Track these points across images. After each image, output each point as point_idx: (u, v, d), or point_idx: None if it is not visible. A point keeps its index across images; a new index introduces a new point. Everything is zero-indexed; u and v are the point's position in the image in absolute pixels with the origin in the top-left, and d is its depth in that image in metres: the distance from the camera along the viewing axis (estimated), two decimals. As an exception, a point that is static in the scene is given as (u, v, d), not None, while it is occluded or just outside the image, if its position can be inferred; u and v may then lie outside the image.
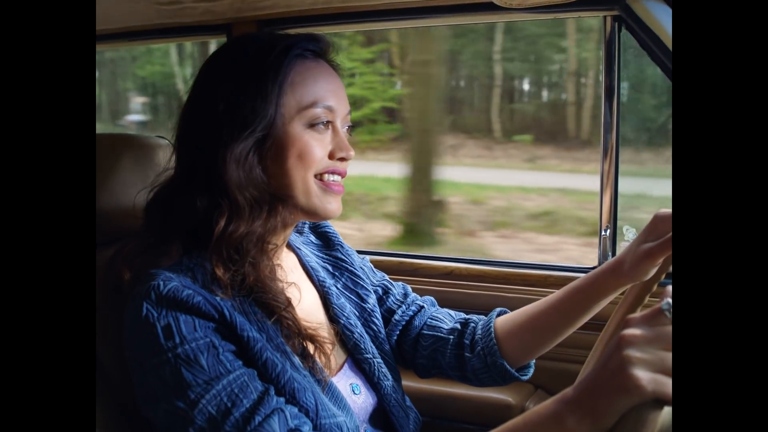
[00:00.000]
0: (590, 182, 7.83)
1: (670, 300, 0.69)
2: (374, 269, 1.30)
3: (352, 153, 1.03)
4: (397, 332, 1.23)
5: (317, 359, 0.99)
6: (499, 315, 1.20)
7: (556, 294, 1.14)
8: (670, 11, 1.32)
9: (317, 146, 0.99)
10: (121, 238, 1.04)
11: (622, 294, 1.10)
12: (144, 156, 1.21)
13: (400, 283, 1.30)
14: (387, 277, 1.30)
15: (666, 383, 0.66)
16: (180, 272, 0.93)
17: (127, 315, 0.91)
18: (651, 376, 0.66)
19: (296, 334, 0.96)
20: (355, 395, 1.07)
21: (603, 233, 1.62)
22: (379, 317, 1.20)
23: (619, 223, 1.63)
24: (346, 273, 1.21)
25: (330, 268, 1.21)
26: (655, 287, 1.06)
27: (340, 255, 1.23)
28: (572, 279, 1.14)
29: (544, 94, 10.73)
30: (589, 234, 6.63)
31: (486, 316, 1.22)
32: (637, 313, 0.71)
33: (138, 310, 0.88)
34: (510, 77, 10.59)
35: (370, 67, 8.25)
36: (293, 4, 1.59)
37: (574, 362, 1.46)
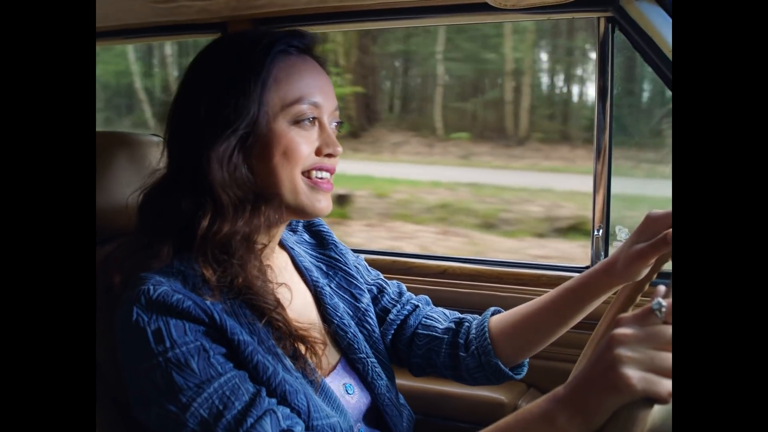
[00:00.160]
0: (514, 177, 8.51)
1: (661, 299, 0.70)
2: (369, 268, 1.30)
3: (340, 149, 1.03)
4: (392, 331, 1.23)
5: (309, 360, 0.99)
6: (493, 314, 1.21)
7: (549, 294, 1.14)
8: (663, 13, 1.33)
9: (303, 143, 0.98)
10: (115, 236, 1.04)
11: (614, 294, 1.11)
12: (138, 154, 1.21)
13: (394, 281, 1.30)
14: (382, 275, 1.30)
15: (656, 382, 0.66)
16: (170, 275, 0.92)
17: (117, 319, 0.91)
18: (641, 374, 0.67)
19: (287, 335, 0.96)
20: (348, 395, 1.07)
21: (596, 233, 1.63)
22: (373, 316, 1.20)
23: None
24: (339, 272, 1.21)
25: (324, 267, 1.21)
26: (646, 287, 1.07)
27: (334, 254, 1.23)
28: (565, 279, 1.15)
29: (484, 93, 11.01)
30: (475, 226, 7.01)
31: (480, 315, 1.22)
32: (628, 313, 0.72)
33: (128, 315, 0.88)
34: (453, 77, 11.06)
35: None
36: (288, 3, 1.59)
37: (567, 361, 1.47)
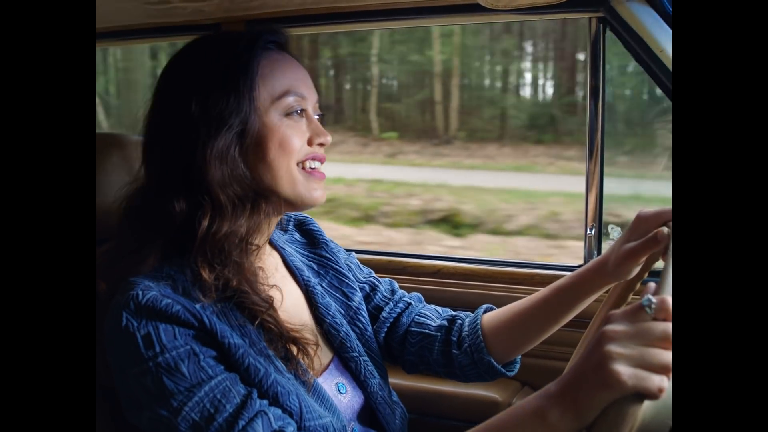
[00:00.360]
0: (432, 175, 8.94)
1: (650, 296, 0.71)
2: (361, 266, 1.30)
3: (330, 138, 1.04)
4: (385, 329, 1.23)
5: (301, 361, 0.99)
6: (485, 312, 1.21)
7: (541, 292, 1.15)
8: (653, 13, 1.33)
9: (295, 134, 1.00)
10: (107, 238, 1.04)
11: (606, 292, 1.11)
12: (130, 155, 1.21)
13: (387, 279, 1.30)
14: (374, 273, 1.30)
15: (646, 378, 0.67)
16: (160, 279, 0.92)
17: (107, 324, 0.91)
18: (632, 371, 0.67)
19: (279, 337, 0.96)
20: (341, 394, 1.07)
21: (588, 232, 1.63)
22: (366, 315, 1.20)
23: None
24: (331, 271, 1.21)
25: (315, 266, 1.21)
26: (638, 286, 1.08)
27: (325, 253, 1.23)
28: (558, 277, 1.15)
29: (415, 93, 11.55)
30: (351, 219, 7.48)
31: (473, 313, 1.23)
32: (618, 310, 0.73)
33: (118, 320, 0.88)
34: (386, 78, 11.75)
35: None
36: (282, 4, 1.60)
37: (560, 359, 1.47)
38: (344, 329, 1.13)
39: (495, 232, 7.17)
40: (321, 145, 1.04)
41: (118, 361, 0.90)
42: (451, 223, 7.36)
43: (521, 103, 11.21)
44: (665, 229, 0.94)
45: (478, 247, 6.69)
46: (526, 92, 11.68)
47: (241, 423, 0.85)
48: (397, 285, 1.31)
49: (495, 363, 1.16)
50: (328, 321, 1.12)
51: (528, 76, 11.76)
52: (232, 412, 0.86)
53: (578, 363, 0.73)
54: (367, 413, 1.12)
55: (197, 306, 0.90)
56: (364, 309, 1.21)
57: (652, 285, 0.76)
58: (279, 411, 0.90)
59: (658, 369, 0.68)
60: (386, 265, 1.84)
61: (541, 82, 11.85)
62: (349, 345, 1.12)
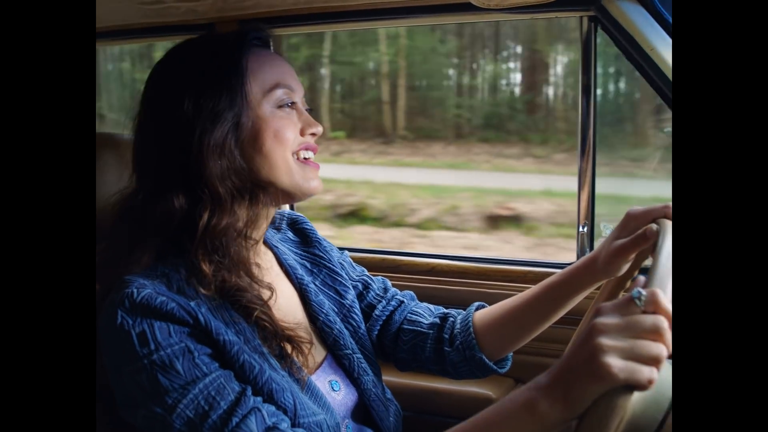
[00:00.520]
0: (369, 173, 9.23)
1: (640, 289, 0.72)
2: (354, 264, 1.31)
3: (321, 128, 1.06)
4: (378, 327, 1.24)
5: (295, 359, 1.00)
6: (477, 309, 1.22)
7: (532, 289, 1.16)
8: (644, 12, 1.34)
9: (289, 125, 1.02)
10: (100, 239, 1.04)
11: (597, 289, 1.12)
12: (122, 155, 1.21)
13: (379, 277, 1.31)
14: (367, 272, 1.31)
15: (637, 370, 0.68)
16: (155, 278, 0.93)
17: (101, 322, 0.91)
18: (623, 363, 0.68)
19: (273, 335, 0.97)
20: (334, 392, 1.08)
21: (581, 230, 1.64)
22: (359, 312, 1.21)
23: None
24: (324, 270, 1.22)
25: (308, 265, 1.22)
26: (628, 284, 1.08)
27: (318, 252, 1.24)
28: (551, 275, 1.15)
29: (364, 94, 11.88)
30: None
31: (465, 311, 1.23)
32: (608, 302, 0.73)
33: (113, 318, 0.88)
34: (337, 79, 11.99)
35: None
36: (275, 3, 1.60)
37: (552, 356, 1.49)
38: (337, 327, 1.14)
39: (397, 224, 7.51)
40: (313, 135, 1.06)
41: (113, 359, 0.90)
42: (358, 216, 7.70)
43: (472, 103, 11.48)
44: (654, 226, 0.95)
45: (356, 236, 7.11)
46: (480, 93, 11.89)
47: (235, 420, 0.85)
48: (389, 283, 1.32)
49: (487, 360, 1.16)
50: (321, 319, 1.13)
51: (482, 77, 11.99)
52: (227, 409, 0.86)
53: (569, 355, 0.73)
54: (361, 410, 1.12)
55: (192, 303, 0.91)
56: (357, 307, 1.22)
57: (641, 278, 0.77)
58: (273, 408, 0.90)
59: (648, 361, 0.68)
60: (380, 263, 1.85)
61: (493, 82, 12.07)
62: (342, 342, 1.13)
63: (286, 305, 1.09)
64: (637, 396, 0.72)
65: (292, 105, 1.04)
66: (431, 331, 1.22)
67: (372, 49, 11.05)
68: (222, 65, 0.99)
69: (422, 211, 7.79)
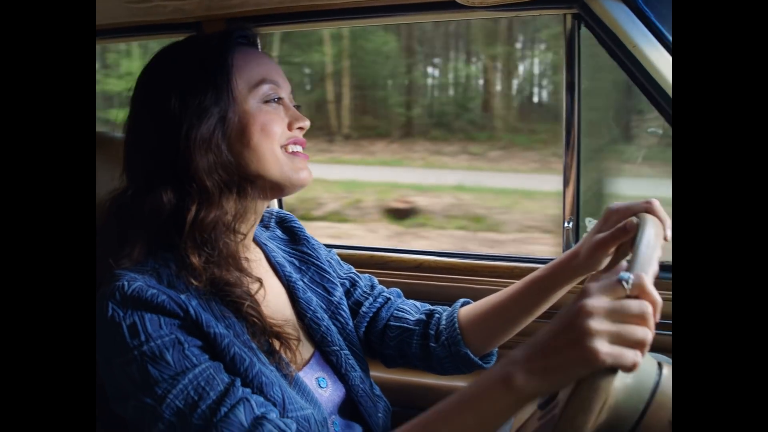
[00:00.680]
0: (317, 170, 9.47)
1: (627, 273, 0.72)
2: (341, 262, 1.32)
3: (308, 123, 1.07)
4: (365, 324, 1.25)
5: (283, 355, 1.01)
6: (462, 306, 1.24)
7: (516, 284, 1.17)
8: (626, 9, 1.36)
9: (276, 119, 1.03)
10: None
11: (580, 284, 1.13)
12: (112, 154, 1.21)
13: (366, 275, 1.33)
14: (354, 269, 1.32)
15: (623, 354, 0.69)
16: (145, 273, 0.94)
17: None
18: (610, 348, 0.69)
19: (262, 331, 0.98)
20: (321, 389, 1.09)
21: (566, 225, 1.65)
22: (346, 309, 1.22)
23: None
24: (312, 267, 1.23)
25: (296, 262, 1.23)
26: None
27: (306, 249, 1.25)
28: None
29: (310, 93, 11.94)
30: None
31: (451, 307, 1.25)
32: (595, 283, 0.74)
33: (103, 310, 0.89)
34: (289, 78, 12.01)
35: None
36: (262, 1, 1.60)
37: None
38: (325, 323, 1.15)
39: (303, 217, 7.68)
40: (300, 129, 1.07)
41: (103, 351, 0.91)
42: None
43: (422, 102, 11.66)
44: (634, 219, 0.96)
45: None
46: (429, 92, 12.06)
47: (224, 409, 0.86)
48: (376, 281, 1.33)
49: (472, 355, 1.18)
50: (309, 315, 1.13)
51: (432, 77, 12.15)
52: (216, 399, 0.87)
53: (553, 332, 0.73)
54: (349, 407, 1.13)
55: (182, 296, 0.92)
56: (345, 304, 1.23)
57: (623, 263, 0.78)
58: (261, 398, 0.91)
59: (634, 345, 0.69)
60: (368, 260, 1.86)
61: (443, 81, 12.19)
62: (330, 339, 1.14)
63: (274, 302, 1.10)
64: (619, 386, 0.73)
65: (279, 100, 1.05)
66: (417, 328, 1.23)
67: (314, 50, 11.26)
68: (208, 63, 1.00)
69: (329, 205, 8.10)
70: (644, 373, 0.80)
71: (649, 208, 0.97)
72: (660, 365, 0.82)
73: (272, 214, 1.30)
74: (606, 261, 1.06)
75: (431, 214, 7.75)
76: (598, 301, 0.71)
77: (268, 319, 1.01)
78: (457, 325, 1.19)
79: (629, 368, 0.69)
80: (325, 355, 1.13)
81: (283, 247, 1.24)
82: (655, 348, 1.31)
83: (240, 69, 1.02)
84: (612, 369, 0.69)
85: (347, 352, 1.16)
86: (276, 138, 1.02)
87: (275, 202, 1.98)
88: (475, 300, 1.24)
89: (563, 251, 1.67)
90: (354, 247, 1.94)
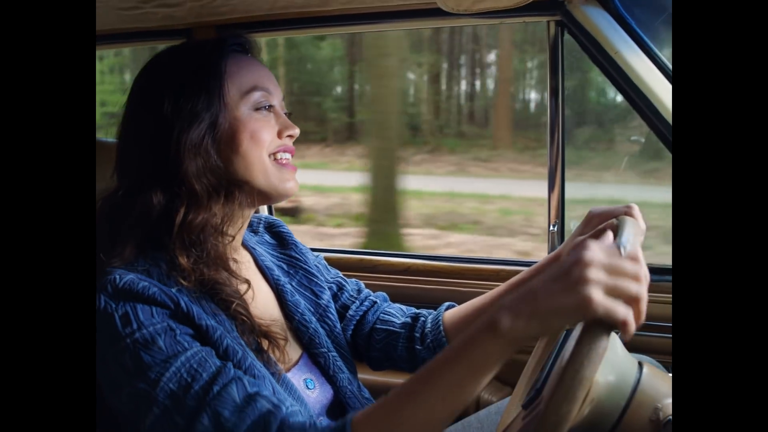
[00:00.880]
0: None
1: (621, 240, 0.75)
2: (328, 267, 1.34)
3: (298, 131, 1.09)
4: (352, 327, 1.27)
5: (271, 354, 1.02)
6: (447, 309, 1.25)
7: (499, 287, 1.19)
8: (608, 16, 1.39)
9: (265, 127, 1.04)
10: None
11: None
12: (102, 158, 1.22)
13: (353, 279, 1.34)
14: (341, 274, 1.34)
15: (615, 307, 0.69)
16: (135, 271, 0.95)
17: None
18: (604, 298, 0.69)
19: (251, 329, 0.99)
20: (309, 390, 1.10)
21: (551, 229, 1.67)
22: (334, 312, 1.23)
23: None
24: (300, 271, 1.25)
25: (285, 266, 1.24)
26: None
27: (294, 254, 1.27)
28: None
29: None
30: None
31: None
32: (593, 240, 0.75)
33: (96, 303, 0.91)
34: None
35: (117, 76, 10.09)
36: (252, 9, 1.62)
37: (523, 352, 1.51)
38: (313, 326, 1.16)
39: None
40: (290, 137, 1.08)
41: (97, 344, 0.91)
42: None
43: (363, 108, 11.72)
44: (614, 221, 0.98)
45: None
46: (372, 98, 12.16)
47: (216, 388, 0.86)
48: (363, 285, 1.35)
49: None
50: (297, 318, 1.15)
51: (373, 83, 12.24)
52: (208, 380, 0.87)
53: (546, 281, 0.73)
54: (336, 408, 1.14)
55: (173, 290, 0.94)
56: (333, 307, 1.24)
57: (610, 234, 0.80)
58: (253, 379, 0.92)
59: (628, 300, 0.70)
60: (358, 263, 1.88)
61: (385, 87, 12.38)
62: (318, 341, 1.15)
63: (262, 303, 1.11)
64: (601, 381, 0.75)
65: (270, 108, 1.06)
66: (403, 331, 1.25)
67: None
68: (201, 69, 1.02)
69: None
70: (625, 371, 0.81)
71: (628, 212, 0.99)
72: (641, 364, 0.83)
73: (261, 220, 1.31)
74: None
75: (313, 212, 8.15)
76: (596, 255, 0.72)
77: (257, 319, 1.02)
78: (442, 327, 1.21)
79: (619, 323, 0.69)
80: (313, 356, 1.15)
81: (272, 252, 1.26)
82: (652, 350, 1.34)
83: (232, 76, 1.04)
84: (606, 327, 0.70)
85: (335, 354, 1.17)
86: (265, 146, 1.04)
87: (264, 207, 1.99)
88: (462, 303, 1.26)
89: (548, 254, 1.70)
90: (344, 251, 1.96)
